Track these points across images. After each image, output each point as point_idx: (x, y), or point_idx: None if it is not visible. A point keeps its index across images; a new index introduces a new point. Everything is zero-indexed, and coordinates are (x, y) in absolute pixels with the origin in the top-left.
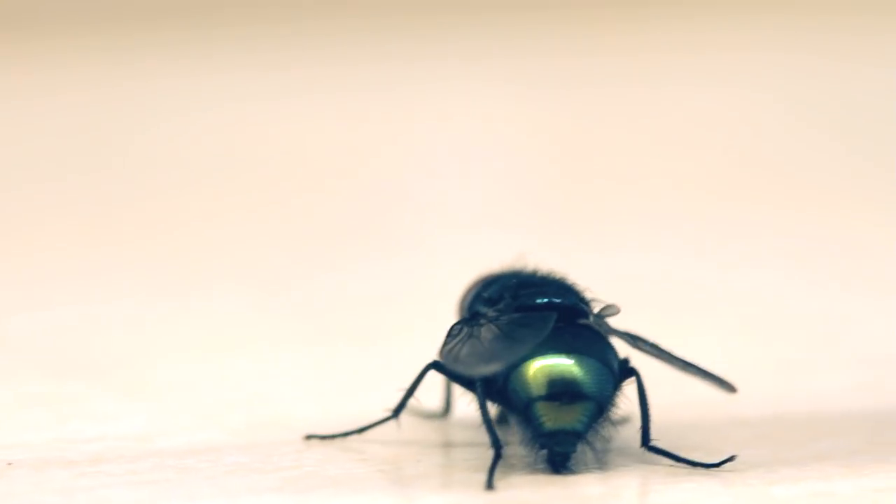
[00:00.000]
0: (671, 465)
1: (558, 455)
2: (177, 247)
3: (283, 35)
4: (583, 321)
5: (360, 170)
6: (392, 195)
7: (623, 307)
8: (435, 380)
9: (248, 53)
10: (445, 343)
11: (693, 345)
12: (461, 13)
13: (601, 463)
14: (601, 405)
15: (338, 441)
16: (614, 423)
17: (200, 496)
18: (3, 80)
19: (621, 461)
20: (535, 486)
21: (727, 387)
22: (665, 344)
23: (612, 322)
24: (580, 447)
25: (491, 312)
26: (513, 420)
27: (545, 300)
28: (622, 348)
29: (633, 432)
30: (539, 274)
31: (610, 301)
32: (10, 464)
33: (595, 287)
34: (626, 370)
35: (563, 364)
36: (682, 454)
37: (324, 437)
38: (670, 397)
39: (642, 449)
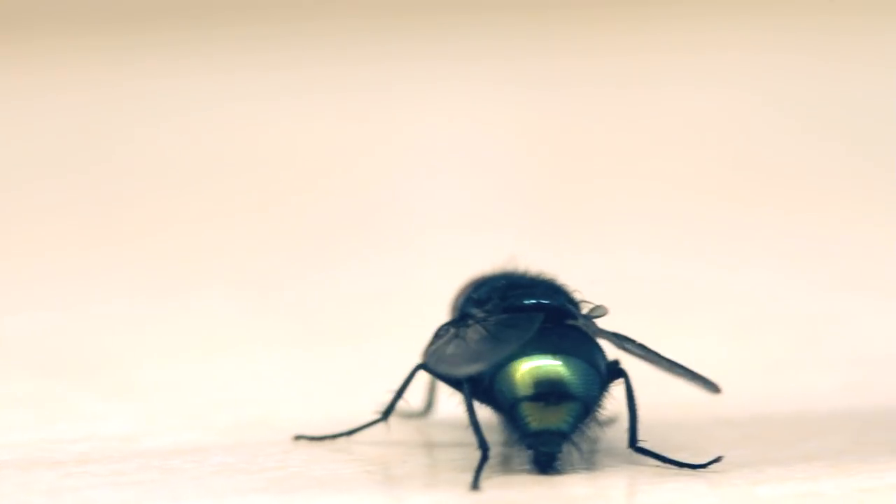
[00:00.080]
0: (657, 466)
1: (544, 455)
2: (164, 247)
3: (274, 36)
4: (571, 322)
5: (350, 170)
6: (381, 195)
7: (611, 307)
8: (421, 380)
9: (240, 54)
10: (431, 344)
11: (680, 344)
12: (453, 14)
13: (587, 463)
14: (587, 406)
15: (326, 442)
16: (601, 424)
17: (186, 497)
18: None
19: (608, 462)
20: (521, 486)
21: (712, 387)
22: (652, 345)
23: (601, 323)
24: (566, 448)
25: (479, 313)
26: (499, 420)
27: (533, 301)
28: (612, 349)
29: (619, 433)
30: (529, 275)
31: (599, 302)
32: None
33: (583, 288)
34: (615, 371)
35: (549, 364)
36: (669, 454)
37: (312, 439)
38: (656, 397)
39: (629, 450)
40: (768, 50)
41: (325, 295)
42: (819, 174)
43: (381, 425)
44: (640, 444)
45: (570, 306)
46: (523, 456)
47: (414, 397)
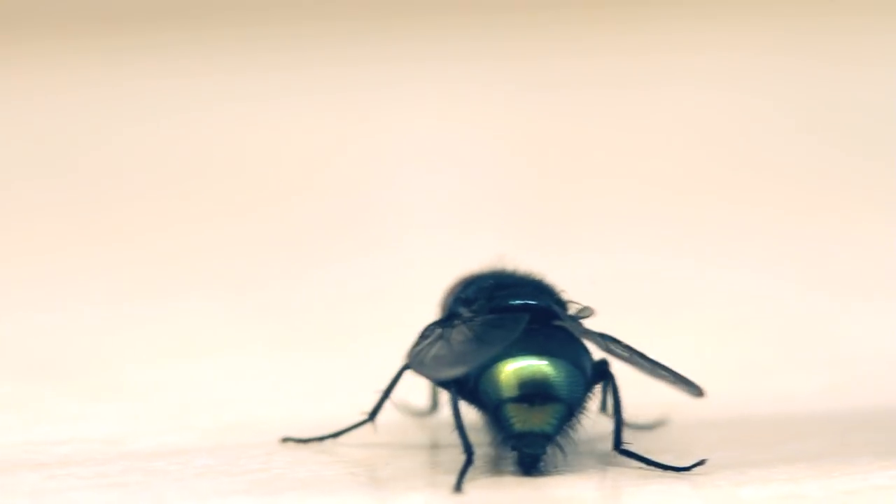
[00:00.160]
0: (641, 468)
1: (528, 457)
2: (147, 249)
3: (261, 38)
4: (557, 323)
5: (337, 171)
6: (368, 196)
7: (596, 308)
8: (417, 380)
9: (226, 57)
10: (415, 344)
11: (663, 346)
12: (442, 15)
13: (571, 465)
14: (572, 408)
15: (311, 444)
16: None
17: (169, 498)
18: None
19: (591, 463)
20: (505, 487)
21: (696, 390)
22: (639, 347)
23: (587, 324)
24: (550, 449)
25: (466, 313)
26: (484, 421)
27: (519, 302)
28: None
29: (603, 435)
30: (517, 275)
31: (585, 302)
32: None
33: (570, 288)
34: (601, 373)
35: (533, 366)
36: (653, 456)
37: (299, 441)
38: (640, 398)
39: (613, 452)
40: (763, 50)
41: (310, 296)
42: (804, 177)
43: (367, 427)
44: (625, 447)
45: (557, 307)
46: (508, 457)
47: (407, 397)
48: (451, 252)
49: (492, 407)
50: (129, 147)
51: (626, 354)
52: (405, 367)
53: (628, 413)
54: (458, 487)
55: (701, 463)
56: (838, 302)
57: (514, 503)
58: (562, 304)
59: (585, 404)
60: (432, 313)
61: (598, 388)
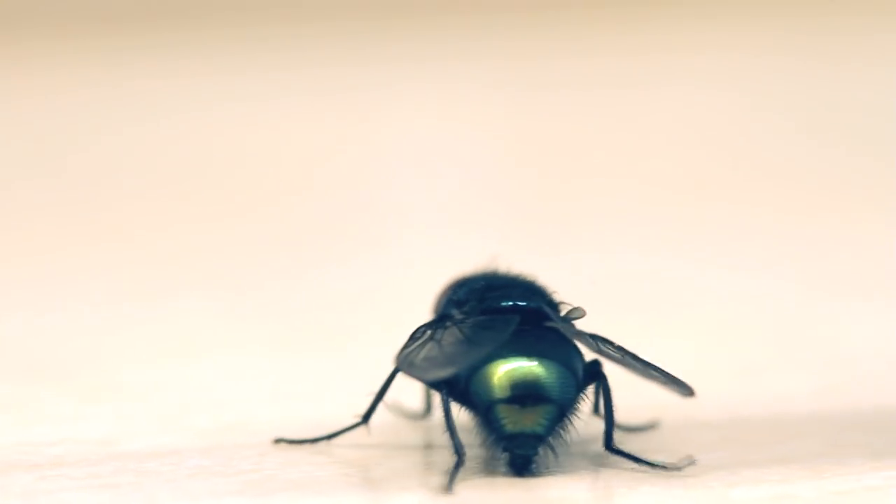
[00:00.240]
0: (633, 469)
1: (520, 458)
2: (141, 251)
3: (253, 39)
4: (549, 324)
5: (332, 172)
6: (362, 197)
7: (589, 308)
8: (410, 382)
9: (224, 57)
10: (404, 347)
11: (657, 346)
12: (439, 16)
13: (563, 466)
14: (563, 409)
15: (304, 445)
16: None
17: (162, 499)
18: None
19: (583, 465)
20: (497, 488)
21: (686, 390)
22: (632, 347)
23: (579, 325)
24: (542, 450)
25: (457, 315)
26: (475, 422)
27: (510, 303)
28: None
29: (595, 436)
30: (509, 277)
31: (577, 303)
32: None
33: (565, 288)
34: (593, 374)
35: (524, 367)
36: (645, 456)
37: (292, 442)
38: (633, 399)
39: (605, 451)
40: (760, 51)
41: (305, 297)
42: (799, 177)
43: (360, 428)
44: (616, 446)
45: (548, 308)
46: (500, 458)
47: (409, 398)
48: (449, 253)
49: (483, 408)
50: (125, 147)
51: (617, 355)
52: (397, 370)
53: (621, 414)
54: (448, 488)
55: (691, 462)
56: (832, 303)
57: None
58: (553, 306)
59: (577, 405)
60: (428, 314)
61: (590, 390)
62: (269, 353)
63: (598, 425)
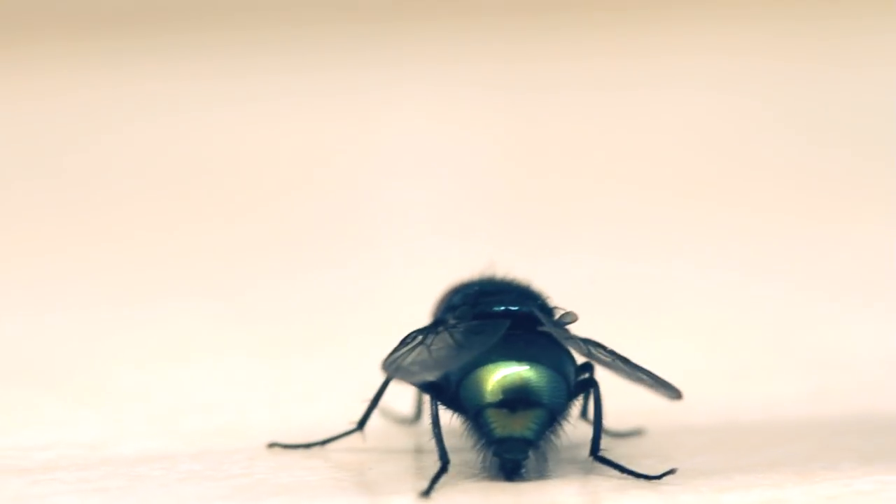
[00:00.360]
0: (620, 475)
1: (509, 462)
2: (132, 254)
3: (251, 42)
4: (541, 328)
5: (322, 175)
6: (355, 200)
7: (580, 311)
8: (402, 387)
9: (213, 61)
10: (393, 351)
11: (647, 349)
12: (438, 19)
13: (553, 471)
14: (553, 413)
15: (298, 450)
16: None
17: None
18: None
19: (573, 469)
20: (487, 493)
21: (674, 393)
22: (623, 350)
23: (571, 329)
24: (532, 455)
25: (451, 320)
26: (465, 426)
27: (501, 308)
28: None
29: (586, 441)
30: (502, 281)
31: (569, 307)
32: None
33: (552, 291)
34: (586, 381)
35: (514, 371)
36: (635, 461)
37: (286, 446)
38: (624, 404)
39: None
40: (757, 53)
41: (296, 300)
42: (791, 181)
43: (354, 434)
44: (602, 454)
45: (540, 312)
46: (490, 463)
47: (400, 403)
48: (445, 256)
49: (473, 412)
50: (116, 150)
51: (608, 359)
52: (388, 375)
53: (611, 418)
54: (426, 493)
55: (672, 472)
56: (823, 306)
57: None
58: (547, 310)
59: (567, 410)
60: (422, 318)
61: (580, 394)
62: (260, 357)
63: (588, 429)
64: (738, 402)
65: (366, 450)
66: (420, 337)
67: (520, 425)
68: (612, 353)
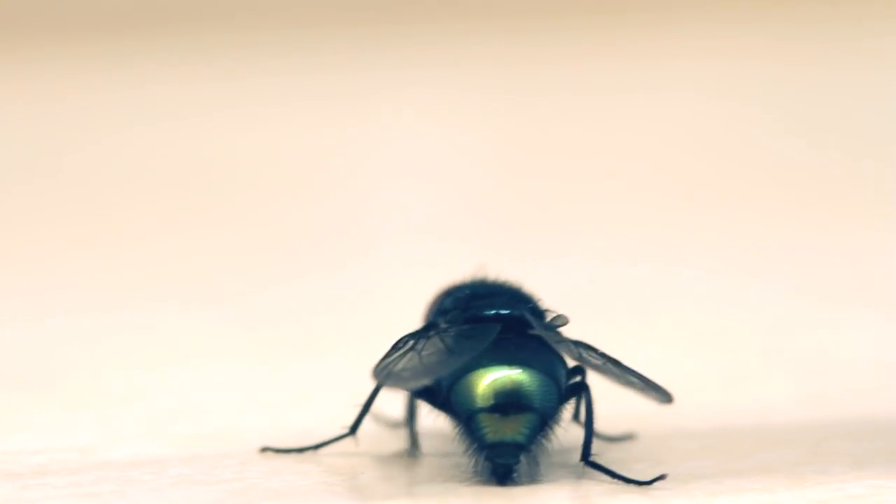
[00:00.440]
0: (612, 479)
1: (501, 467)
2: (121, 259)
3: (242, 45)
4: (532, 332)
5: (313, 179)
6: (348, 204)
7: (575, 313)
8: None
9: (204, 65)
10: (384, 357)
11: (637, 354)
12: (435, 22)
13: (545, 475)
14: (544, 417)
15: (289, 454)
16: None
17: None
18: None
19: (565, 473)
20: (479, 497)
21: (665, 397)
22: (615, 354)
23: (563, 332)
24: (524, 459)
25: (442, 324)
26: (457, 431)
27: (492, 312)
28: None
29: (579, 444)
30: (493, 284)
31: (560, 310)
32: None
33: (551, 294)
34: (577, 386)
35: (505, 375)
36: (627, 465)
37: (278, 451)
38: (617, 408)
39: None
40: (755, 56)
41: (285, 305)
42: (785, 184)
43: (347, 438)
44: (592, 459)
45: (532, 316)
46: (480, 467)
47: (392, 407)
48: (441, 260)
49: (464, 417)
50: (110, 155)
51: (599, 363)
52: (379, 382)
53: (603, 423)
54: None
55: (662, 478)
56: (815, 311)
57: None
58: (538, 313)
59: (559, 414)
60: (413, 322)
61: (572, 398)
62: (252, 361)
63: (580, 433)
64: (730, 406)
65: (358, 454)
66: (411, 342)
67: (511, 430)
68: (604, 355)
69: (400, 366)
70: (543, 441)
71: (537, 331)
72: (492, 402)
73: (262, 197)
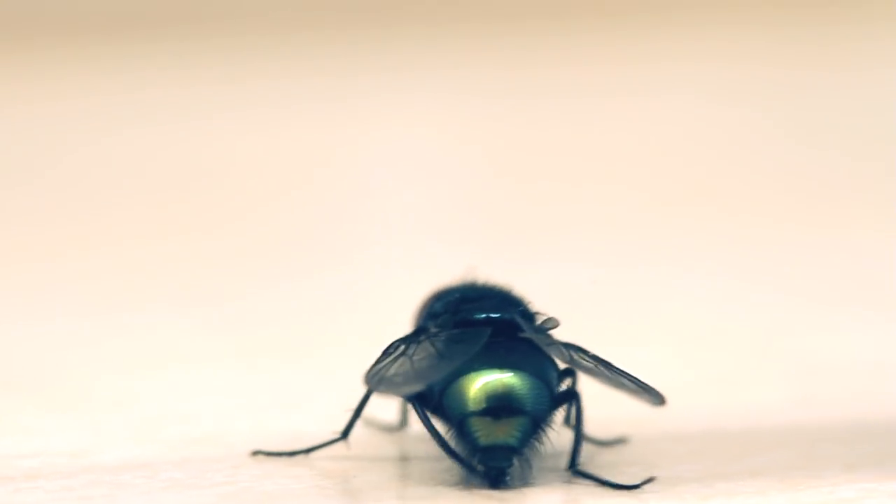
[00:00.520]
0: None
1: (493, 470)
2: (112, 262)
3: (240, 48)
4: (523, 335)
5: (302, 183)
6: (340, 207)
7: (567, 315)
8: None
9: (202, 68)
10: (375, 363)
11: (629, 356)
12: (432, 26)
13: (538, 478)
14: (536, 420)
15: (281, 458)
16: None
17: None
18: None
19: (558, 477)
20: (470, 501)
21: (658, 399)
22: (606, 357)
23: (553, 335)
24: (516, 462)
25: (433, 328)
26: (449, 435)
27: (483, 315)
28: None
29: (569, 448)
30: (483, 288)
31: (551, 313)
32: None
33: (540, 297)
34: (567, 393)
35: (497, 379)
36: (619, 469)
37: (270, 454)
38: (608, 411)
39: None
40: (746, 60)
41: (276, 309)
42: (779, 186)
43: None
44: (580, 468)
45: (522, 319)
46: (475, 471)
47: (385, 411)
48: (437, 264)
49: (456, 421)
50: (102, 158)
51: (590, 365)
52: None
53: (596, 427)
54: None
55: (650, 480)
56: (807, 313)
57: None
58: (529, 316)
59: (551, 417)
60: (405, 325)
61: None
62: (243, 365)
63: (572, 436)
64: (721, 409)
65: (350, 458)
66: (402, 346)
67: (503, 433)
68: (595, 358)
69: (392, 371)
70: (535, 444)
71: (528, 334)
72: (484, 405)
73: (255, 200)
